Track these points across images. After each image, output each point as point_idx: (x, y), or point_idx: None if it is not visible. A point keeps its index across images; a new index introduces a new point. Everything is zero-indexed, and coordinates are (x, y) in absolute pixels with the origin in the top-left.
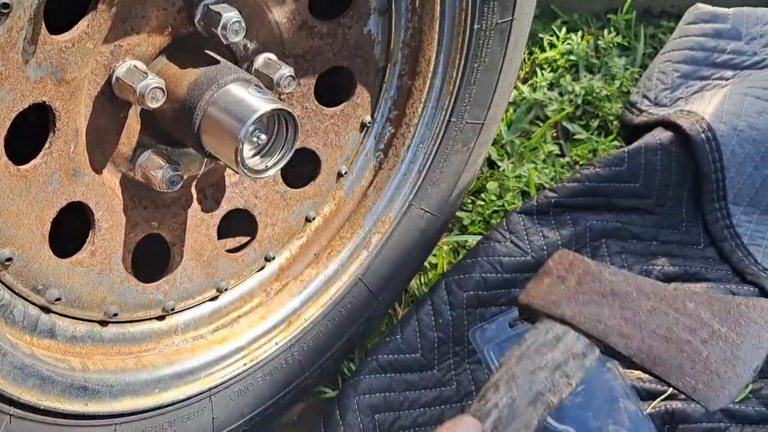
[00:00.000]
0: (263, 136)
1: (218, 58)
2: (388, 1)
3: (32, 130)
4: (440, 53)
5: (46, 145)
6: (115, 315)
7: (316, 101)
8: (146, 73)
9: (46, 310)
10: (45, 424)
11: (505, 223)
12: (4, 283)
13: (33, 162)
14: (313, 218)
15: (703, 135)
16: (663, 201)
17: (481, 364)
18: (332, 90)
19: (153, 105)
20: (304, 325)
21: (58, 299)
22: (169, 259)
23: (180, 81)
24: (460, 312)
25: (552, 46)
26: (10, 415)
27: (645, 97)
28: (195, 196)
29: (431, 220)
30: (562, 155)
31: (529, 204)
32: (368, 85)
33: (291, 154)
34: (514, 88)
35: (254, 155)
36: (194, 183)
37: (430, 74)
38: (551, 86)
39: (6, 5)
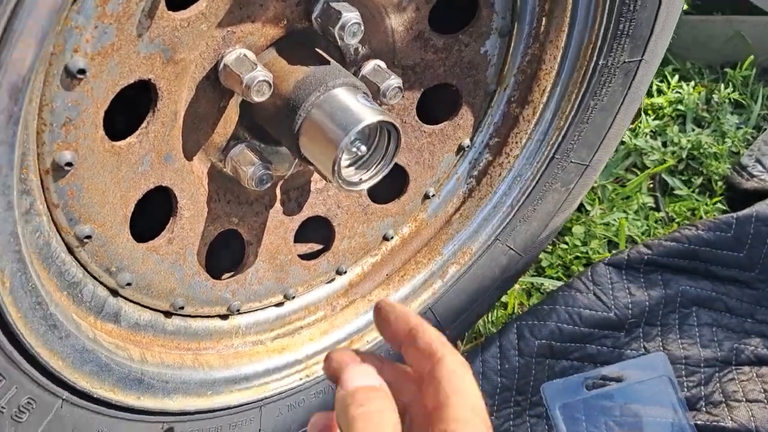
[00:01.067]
0: (363, 148)
1: (328, 58)
2: (512, 22)
3: (128, 108)
4: (557, 85)
5: (144, 125)
6: (181, 308)
7: (416, 116)
8: (255, 64)
9: (114, 293)
10: (93, 413)
11: (590, 273)
12: (78, 261)
13: (128, 140)
14: (391, 237)
15: None
16: (766, 277)
17: (542, 419)
18: (432, 106)
19: (258, 98)
20: (366, 347)
21: (129, 284)
22: (243, 258)
23: (287, 77)
24: (528, 360)
25: (660, 92)
26: (63, 399)
27: (758, 161)
28: (279, 197)
29: (514, 258)
30: (657, 209)
31: (619, 257)
32: (473, 107)
33: (388, 169)
34: None
35: (349, 165)
36: (280, 184)
37: (542, 105)
38: (654, 135)
39: None
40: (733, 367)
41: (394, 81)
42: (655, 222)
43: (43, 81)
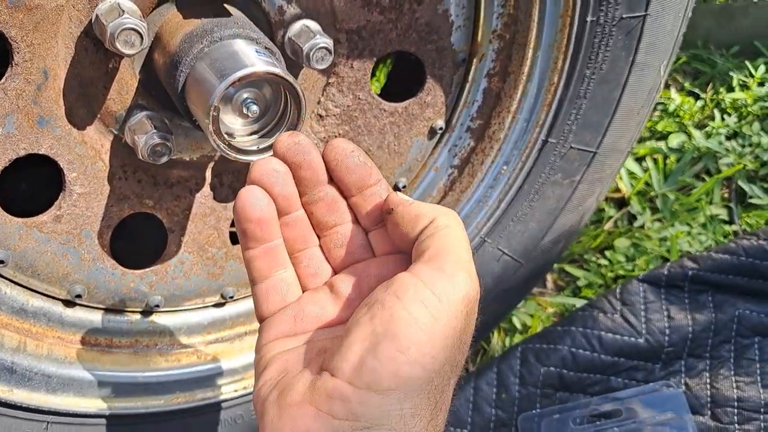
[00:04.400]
0: (254, 108)
1: (233, 12)
2: None
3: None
4: (538, 49)
5: (1, 80)
6: (78, 296)
7: (372, 91)
8: (123, 11)
9: None
10: None
11: (618, 291)
12: None
13: None
14: None
15: None
16: None
17: None
18: (405, 84)
19: (126, 50)
20: None
21: (2, 261)
22: (164, 248)
23: (177, 32)
24: (532, 391)
25: (745, 87)
26: None
27: None
28: (208, 180)
29: (511, 266)
30: (730, 222)
31: (657, 272)
32: (442, 82)
33: None
34: (683, 131)
35: (251, 134)
36: (210, 166)
37: (524, 77)
38: (733, 136)
39: None
40: None
41: (321, 41)
42: (724, 237)
43: None
